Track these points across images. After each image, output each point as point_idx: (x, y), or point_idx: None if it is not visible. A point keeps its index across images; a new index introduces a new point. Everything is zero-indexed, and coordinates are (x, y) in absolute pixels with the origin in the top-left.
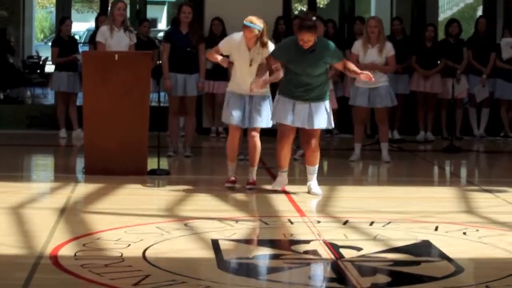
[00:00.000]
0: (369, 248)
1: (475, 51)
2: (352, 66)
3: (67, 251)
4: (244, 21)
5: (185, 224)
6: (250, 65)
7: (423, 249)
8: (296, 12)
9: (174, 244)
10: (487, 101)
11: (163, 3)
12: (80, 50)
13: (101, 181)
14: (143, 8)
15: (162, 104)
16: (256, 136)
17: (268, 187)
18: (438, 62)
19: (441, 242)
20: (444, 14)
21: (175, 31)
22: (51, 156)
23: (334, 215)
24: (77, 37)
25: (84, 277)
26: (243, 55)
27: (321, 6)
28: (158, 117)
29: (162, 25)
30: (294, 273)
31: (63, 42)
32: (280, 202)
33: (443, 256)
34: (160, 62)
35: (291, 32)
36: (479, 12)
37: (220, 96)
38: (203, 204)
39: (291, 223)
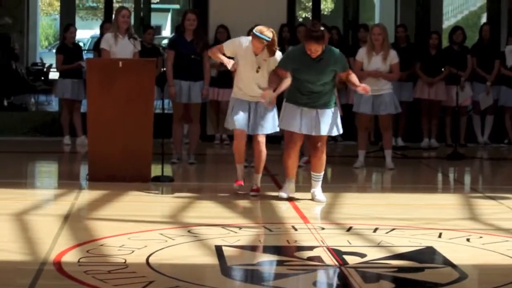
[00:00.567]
0: (373, 255)
1: (479, 58)
2: (354, 78)
3: (71, 257)
4: (254, 31)
5: (189, 231)
6: (257, 71)
7: (427, 255)
8: (300, 20)
9: (178, 251)
10: (491, 108)
11: (167, 11)
12: (85, 57)
13: (105, 188)
14: (147, 15)
15: (166, 111)
16: (262, 142)
17: (276, 194)
18: (442, 69)
19: (445, 249)
20: (448, 22)
21: (179, 38)
22: (55, 163)
23: (338, 221)
24: (81, 44)
25: (88, 283)
26: (249, 60)
27: (325, 13)
28: (162, 124)
29: (166, 32)
30: (298, 280)
31: (67, 49)
32: (284, 209)
33: (447, 263)
34: (165, 69)
35: (295, 39)
36: (483, 20)
37: (224, 103)
38: (207, 210)
39: (295, 229)
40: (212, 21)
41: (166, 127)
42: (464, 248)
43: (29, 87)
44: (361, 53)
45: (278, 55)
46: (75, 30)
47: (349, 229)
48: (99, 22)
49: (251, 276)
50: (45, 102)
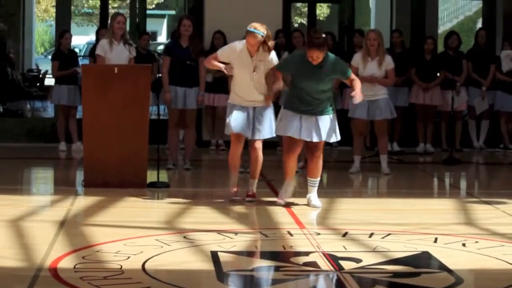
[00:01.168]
0: (369, 260)
1: (475, 63)
2: (357, 84)
3: (66, 263)
4: (248, 27)
5: (185, 237)
6: (254, 71)
7: (422, 260)
8: (296, 25)
9: (174, 256)
10: (487, 113)
11: (163, 16)
12: (80, 63)
13: (100, 194)
14: (142, 21)
15: (161, 117)
16: (259, 148)
17: (276, 199)
18: (438, 74)
19: (440, 254)
20: (443, 27)
21: (175, 44)
22: (51, 169)
23: (333, 227)
24: (77, 50)
25: None
26: (245, 62)
27: (320, 18)
28: (157, 130)
29: (162, 38)
30: (294, 285)
31: (63, 55)
32: (279, 214)
33: (443, 268)
34: (160, 75)
35: (291, 45)
36: (479, 25)
37: (220, 108)
38: (203, 216)
39: (291, 235)
40: (208, 27)
41: (161, 133)
42: (460, 253)
43: (24, 93)
44: (357, 58)
45: (273, 55)
46: (71, 36)
47: (345, 234)
48: (95, 28)
49: (247, 282)
50: (40, 109)
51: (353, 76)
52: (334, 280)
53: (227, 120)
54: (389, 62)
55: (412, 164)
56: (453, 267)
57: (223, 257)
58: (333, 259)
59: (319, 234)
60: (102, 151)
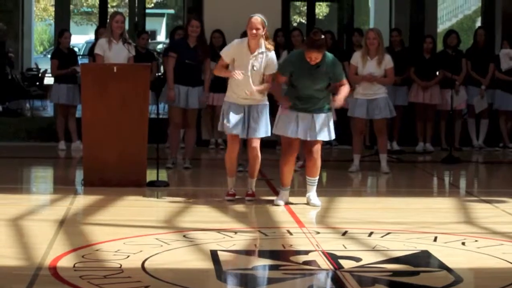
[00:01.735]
0: (368, 259)
1: (474, 62)
2: (344, 90)
3: (66, 262)
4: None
5: (184, 236)
6: (253, 69)
7: (422, 259)
8: (295, 24)
9: (173, 255)
10: (486, 112)
11: (162, 15)
12: (80, 62)
13: (100, 193)
14: (141, 20)
15: (161, 116)
16: (257, 147)
17: (274, 198)
18: (437, 73)
19: (440, 253)
20: (443, 26)
21: (183, 43)
22: (50, 168)
23: (333, 226)
24: (76, 49)
25: None
26: (244, 59)
27: (320, 17)
28: (157, 129)
29: (161, 37)
30: (293, 284)
31: (62, 54)
32: (279, 213)
33: (442, 266)
34: (159, 74)
35: (290, 43)
36: (478, 23)
37: (219, 108)
38: (202, 215)
39: (290, 234)
40: (207, 26)
41: (161, 132)
42: (460, 251)
43: (24, 92)
44: (356, 57)
45: (273, 56)
46: (70, 35)
47: (344, 233)
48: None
49: (246, 280)
50: (40, 108)
51: (345, 81)
52: (333, 279)
53: (223, 120)
54: (388, 61)
55: (412, 163)
56: (453, 266)
57: (222, 256)
58: (333, 258)
59: (318, 233)
60: (101, 150)
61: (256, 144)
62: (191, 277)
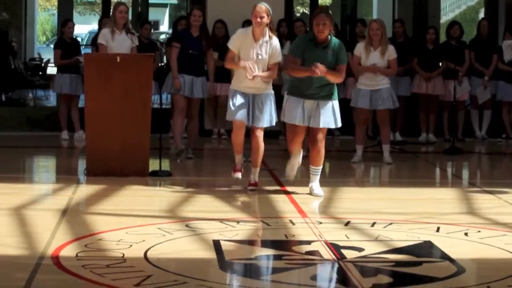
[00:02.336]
0: (371, 249)
1: (477, 53)
2: (339, 74)
3: (68, 251)
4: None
5: (187, 225)
6: (257, 57)
7: (424, 249)
8: (298, 15)
9: (176, 245)
10: (489, 103)
11: (165, 6)
12: (83, 52)
13: (102, 183)
14: (145, 10)
15: (164, 106)
16: (260, 136)
17: (277, 188)
18: (440, 64)
19: (442, 243)
20: (446, 17)
21: (186, 33)
22: (53, 157)
23: (335, 216)
24: (79, 39)
25: (86, 277)
26: (249, 47)
27: None
28: (159, 119)
29: (164, 27)
30: (296, 274)
31: (65, 44)
32: (281, 203)
33: (445, 257)
34: (162, 64)
35: (293, 34)
36: (481, 15)
37: (223, 97)
38: (205, 205)
39: (293, 224)
40: (210, 16)
41: (163, 122)
42: (462, 242)
43: (27, 82)
44: (359, 48)
45: (277, 44)
46: (73, 25)
47: (347, 223)
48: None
49: (249, 270)
50: (43, 97)
51: (343, 68)
52: (336, 269)
53: (230, 106)
54: (391, 52)
55: (414, 153)
56: (455, 256)
57: (225, 245)
58: (335, 248)
59: (321, 223)
60: (104, 140)
61: (260, 133)
62: (193, 266)
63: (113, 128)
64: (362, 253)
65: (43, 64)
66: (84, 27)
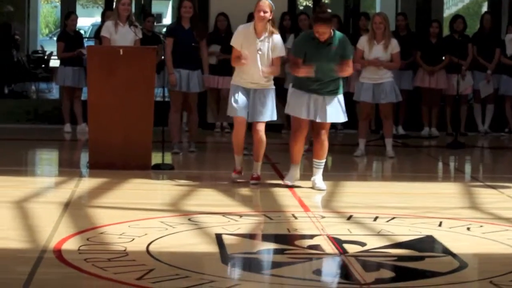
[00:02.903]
0: (373, 243)
1: (480, 47)
2: (348, 68)
3: (71, 245)
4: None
5: (189, 219)
6: (258, 52)
7: (427, 244)
8: (301, 8)
9: (178, 239)
10: (492, 97)
11: None
12: (86, 45)
13: (105, 176)
14: (148, 3)
15: (166, 99)
16: (262, 130)
17: (280, 182)
18: (443, 58)
19: (445, 238)
20: (449, 10)
21: (177, 26)
22: (56, 150)
23: (338, 210)
24: (82, 32)
25: (88, 271)
26: (251, 43)
27: (326, 1)
28: (162, 112)
29: (167, 20)
30: (298, 268)
31: (68, 36)
32: (284, 197)
33: (447, 252)
34: (164, 57)
35: (296, 27)
36: (484, 8)
37: (225, 91)
38: (207, 198)
39: (295, 218)
40: (213, 9)
41: (166, 115)
42: (464, 237)
43: (30, 74)
44: (362, 42)
45: (279, 38)
46: (76, 17)
47: (350, 217)
48: (100, 9)
49: (251, 264)
50: (46, 90)
51: (349, 62)
52: (338, 263)
53: (230, 102)
54: (395, 45)
55: (417, 147)
56: (458, 251)
57: (227, 239)
58: (338, 242)
59: (323, 217)
60: (107, 133)
61: (261, 127)
62: (195, 260)
63: (116, 121)
64: (365, 248)
65: (46, 57)
66: (87, 20)
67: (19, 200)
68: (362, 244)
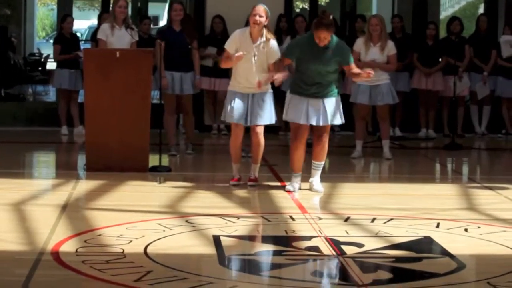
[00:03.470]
0: (371, 245)
1: (476, 48)
2: (356, 70)
3: (68, 247)
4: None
5: (187, 221)
6: (254, 57)
7: (424, 245)
8: (297, 10)
9: (176, 241)
10: (488, 99)
11: (164, 1)
12: (82, 47)
13: (102, 178)
14: (144, 5)
15: (163, 102)
16: (260, 133)
17: (277, 183)
18: (440, 59)
19: (442, 239)
20: (445, 12)
21: (168, 29)
22: (53, 153)
23: (335, 211)
24: (79, 34)
25: (86, 273)
26: (247, 48)
27: (322, 3)
28: (159, 114)
29: (164, 22)
30: (296, 270)
31: (65, 39)
32: (281, 198)
33: (445, 253)
34: None
35: (293, 29)
36: (481, 10)
37: (221, 93)
38: (205, 200)
39: (293, 219)
40: (209, 12)
41: (163, 117)
42: (462, 238)
43: (26, 77)
44: (359, 44)
45: (274, 42)
46: (73, 20)
47: (347, 219)
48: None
49: (249, 266)
50: (42, 92)
51: (354, 65)
52: (336, 265)
53: (227, 108)
54: (391, 47)
55: (414, 149)
56: (455, 252)
57: (225, 241)
58: (335, 244)
59: (321, 218)
60: (104, 135)
61: (260, 130)
62: (193, 262)
63: (112, 123)
64: (362, 249)
65: (42, 59)
66: (83, 23)
67: (16, 202)
68: (360, 245)
